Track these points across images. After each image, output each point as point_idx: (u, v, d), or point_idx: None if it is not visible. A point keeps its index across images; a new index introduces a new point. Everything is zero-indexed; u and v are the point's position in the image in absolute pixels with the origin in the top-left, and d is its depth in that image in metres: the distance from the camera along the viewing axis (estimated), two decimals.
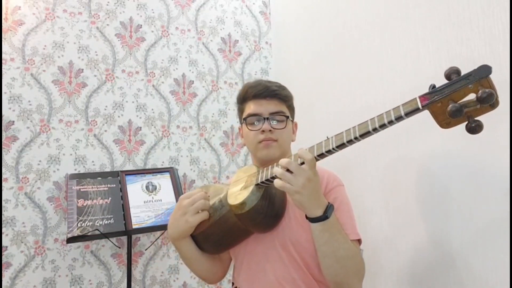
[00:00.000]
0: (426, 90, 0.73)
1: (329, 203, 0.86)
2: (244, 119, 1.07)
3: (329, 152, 0.80)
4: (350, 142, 0.76)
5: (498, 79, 1.07)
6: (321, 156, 0.81)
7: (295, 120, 1.17)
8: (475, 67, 0.67)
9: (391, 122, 0.72)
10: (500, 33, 1.06)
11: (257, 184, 0.91)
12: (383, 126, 0.73)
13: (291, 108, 1.12)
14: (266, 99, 1.04)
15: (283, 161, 0.83)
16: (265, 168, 0.92)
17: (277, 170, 0.84)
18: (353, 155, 1.60)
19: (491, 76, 0.66)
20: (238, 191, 0.95)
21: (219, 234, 1.00)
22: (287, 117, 1.06)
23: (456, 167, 1.18)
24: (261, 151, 1.03)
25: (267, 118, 1.02)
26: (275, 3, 2.40)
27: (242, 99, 1.10)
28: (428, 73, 1.28)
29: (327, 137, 0.82)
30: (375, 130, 0.73)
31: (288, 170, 0.82)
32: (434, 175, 1.27)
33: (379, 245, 1.45)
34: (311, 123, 1.95)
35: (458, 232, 1.17)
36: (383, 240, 1.45)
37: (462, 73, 0.70)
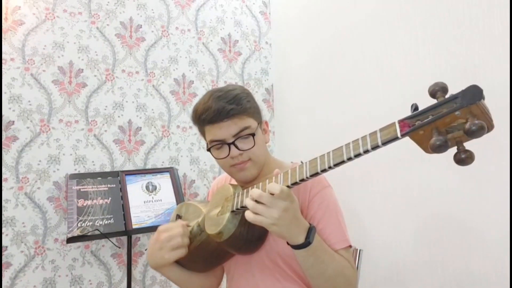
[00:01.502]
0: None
1: (310, 225, 0.80)
2: (208, 149, 0.96)
3: (303, 180, 0.74)
4: (324, 171, 0.71)
5: (498, 79, 1.07)
6: (295, 184, 0.75)
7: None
8: (463, 88, 0.56)
9: (367, 152, 0.65)
10: (500, 33, 1.06)
11: (232, 211, 0.85)
12: (358, 155, 0.66)
13: (255, 114, 0.97)
14: (224, 121, 0.90)
15: (253, 192, 0.76)
16: (240, 192, 0.86)
17: (249, 202, 0.76)
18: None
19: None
20: (215, 216, 0.89)
21: (204, 256, 0.97)
22: (253, 134, 0.93)
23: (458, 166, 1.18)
24: (237, 175, 0.95)
25: (232, 143, 0.90)
26: (275, 3, 2.40)
27: (198, 124, 0.98)
28: (428, 73, 1.28)
29: (301, 162, 0.76)
30: (349, 159, 0.67)
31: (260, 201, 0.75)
32: (434, 175, 1.27)
33: (380, 250, 1.45)
34: (311, 123, 1.95)
35: (458, 231, 1.17)
36: (384, 243, 1.45)
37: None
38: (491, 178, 1.08)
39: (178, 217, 1.08)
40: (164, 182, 1.87)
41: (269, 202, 0.74)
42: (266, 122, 1.04)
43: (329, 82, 1.82)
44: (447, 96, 0.59)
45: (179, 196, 1.84)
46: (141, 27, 2.04)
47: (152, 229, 1.71)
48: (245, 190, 0.85)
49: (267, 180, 0.80)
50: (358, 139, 0.66)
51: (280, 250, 0.92)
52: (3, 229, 1.63)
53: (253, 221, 0.76)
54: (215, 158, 0.96)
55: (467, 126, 0.54)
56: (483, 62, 1.09)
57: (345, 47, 1.72)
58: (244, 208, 0.81)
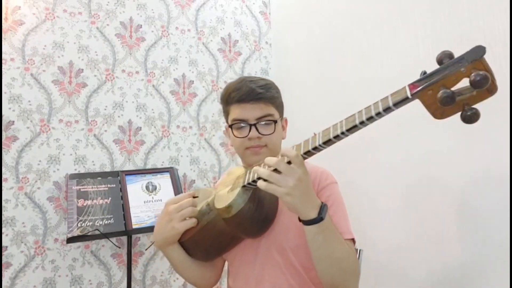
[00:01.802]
0: (424, 69, 0.69)
1: (322, 203, 0.81)
2: (230, 125, 1.00)
3: (316, 149, 0.74)
4: (337, 137, 0.70)
5: (498, 79, 1.07)
6: (308, 153, 0.75)
7: (285, 116, 1.09)
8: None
9: (379, 114, 0.66)
10: (500, 33, 1.06)
11: (243, 186, 0.85)
12: (370, 119, 0.67)
13: (279, 107, 1.02)
14: (251, 103, 0.95)
15: (270, 160, 0.76)
16: (252, 169, 0.87)
17: (263, 171, 0.77)
18: (365, 156, 1.60)
19: (485, 57, 0.59)
20: (225, 194, 0.90)
21: (208, 240, 0.95)
22: (275, 121, 0.98)
23: (458, 166, 1.18)
24: (249, 158, 0.98)
25: (254, 124, 0.95)
26: (275, 3, 2.40)
27: (226, 102, 1.01)
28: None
29: (314, 133, 0.76)
30: (362, 123, 0.67)
31: (275, 170, 0.75)
32: (437, 175, 1.27)
33: (391, 248, 1.45)
34: (311, 123, 1.95)
35: (459, 231, 1.17)
36: (394, 243, 1.45)
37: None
38: (491, 178, 1.08)
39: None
40: (164, 182, 1.87)
41: (285, 169, 0.74)
42: (286, 120, 1.08)
43: (329, 82, 1.82)
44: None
45: None
46: (141, 27, 2.04)
47: (152, 229, 1.70)
48: (257, 166, 0.85)
49: (279, 154, 0.79)
50: (369, 105, 0.68)
51: (290, 241, 0.93)
52: (3, 229, 1.63)
53: (266, 189, 0.76)
54: (233, 137, 0.99)
55: (472, 77, 0.57)
56: None
57: (345, 47, 1.72)
58: (255, 183, 0.81)
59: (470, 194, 1.13)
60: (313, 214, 0.77)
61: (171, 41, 2.11)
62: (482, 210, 1.10)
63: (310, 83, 1.99)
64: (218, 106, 2.20)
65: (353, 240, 0.94)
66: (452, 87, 0.61)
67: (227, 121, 1.04)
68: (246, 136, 0.95)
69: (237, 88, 0.97)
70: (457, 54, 0.62)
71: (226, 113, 1.03)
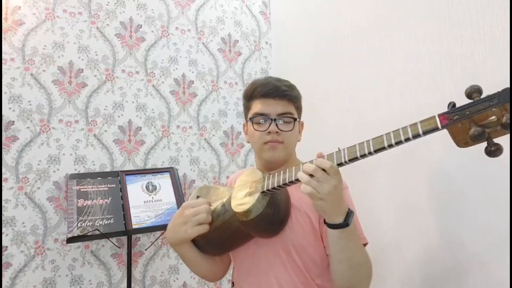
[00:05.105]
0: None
1: (349, 209, 0.84)
2: (251, 118, 1.04)
3: (341, 165, 0.80)
4: (363, 156, 0.76)
5: (498, 79, 1.07)
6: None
7: (302, 119, 1.14)
8: (499, 90, 0.66)
9: (407, 139, 0.71)
10: (500, 33, 1.06)
11: (262, 192, 0.90)
12: (399, 143, 0.72)
13: (299, 109, 1.09)
14: (275, 99, 1.01)
15: (309, 166, 0.80)
16: (271, 175, 0.91)
17: (302, 176, 0.81)
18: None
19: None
20: (243, 197, 0.93)
21: (221, 238, 0.99)
22: (295, 119, 1.03)
23: (464, 167, 1.18)
24: (266, 153, 1.01)
25: (274, 119, 1.00)
26: (275, 3, 2.40)
27: (250, 97, 1.06)
28: (428, 73, 1.28)
29: (339, 149, 0.81)
30: (390, 146, 0.73)
31: (311, 176, 0.80)
32: (441, 175, 1.27)
33: (387, 247, 1.45)
34: (310, 123, 1.95)
35: (469, 233, 1.17)
36: (391, 242, 1.44)
37: (484, 93, 0.69)
38: (491, 178, 1.08)
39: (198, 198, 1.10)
40: (164, 182, 1.87)
41: (322, 177, 0.78)
42: (303, 123, 1.13)
43: (329, 82, 1.82)
44: (482, 96, 0.67)
45: (179, 196, 1.84)
46: (141, 27, 2.04)
47: (152, 229, 1.71)
48: (275, 173, 0.90)
49: (313, 160, 0.83)
50: (398, 129, 0.72)
51: (295, 240, 0.96)
52: (3, 229, 1.63)
53: (309, 194, 0.79)
54: (253, 130, 1.03)
55: (503, 120, 0.63)
56: (483, 62, 1.09)
57: (345, 47, 1.72)
58: (274, 189, 0.88)
59: (470, 195, 1.13)
60: (340, 220, 0.81)
61: (171, 41, 2.11)
62: (483, 211, 1.10)
63: (310, 83, 1.99)
64: (218, 106, 2.20)
65: (365, 244, 0.98)
66: (480, 123, 0.66)
67: (246, 116, 1.09)
68: (266, 130, 0.99)
69: (264, 83, 1.03)
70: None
71: (248, 108, 1.08)
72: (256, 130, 1.02)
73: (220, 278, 1.15)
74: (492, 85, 1.01)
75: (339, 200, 0.81)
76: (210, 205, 1.01)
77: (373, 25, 1.55)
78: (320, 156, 0.83)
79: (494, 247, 1.06)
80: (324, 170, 0.79)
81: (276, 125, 0.99)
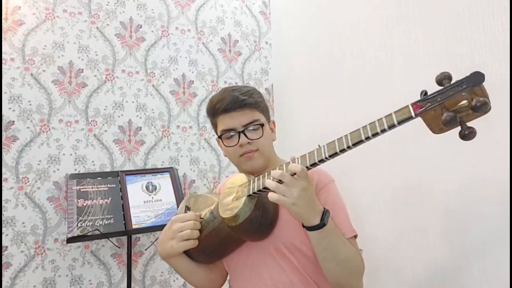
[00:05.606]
0: (425, 89, 0.72)
1: (324, 209, 0.85)
2: (220, 136, 1.03)
3: (322, 161, 0.80)
4: (342, 151, 0.76)
5: (498, 79, 1.07)
6: (314, 165, 0.81)
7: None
8: (468, 74, 0.67)
9: (383, 131, 0.72)
10: (500, 33, 1.06)
11: (249, 195, 0.89)
12: (375, 135, 0.73)
13: (264, 111, 1.06)
14: (236, 111, 0.99)
15: (275, 172, 0.80)
16: (256, 178, 0.90)
17: (270, 183, 0.81)
18: (355, 156, 1.60)
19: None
20: (230, 202, 0.92)
21: (213, 245, 0.98)
22: (262, 124, 1.01)
23: (456, 168, 1.18)
24: (244, 165, 1.01)
25: (242, 131, 0.98)
26: (275, 3, 2.40)
27: (212, 115, 1.05)
28: (427, 73, 1.28)
29: (319, 146, 0.82)
30: (367, 138, 0.73)
31: (280, 181, 0.80)
32: (435, 176, 1.27)
33: (380, 247, 1.45)
34: (310, 123, 1.95)
35: (460, 232, 1.17)
36: (385, 242, 1.45)
37: (454, 79, 0.70)
38: (492, 179, 1.08)
39: (187, 208, 1.09)
40: (164, 182, 1.87)
41: (290, 181, 0.79)
42: (273, 122, 1.11)
43: (329, 82, 1.82)
44: (452, 82, 0.68)
45: (179, 196, 1.84)
46: (141, 27, 2.04)
47: (152, 229, 1.71)
48: (261, 176, 0.89)
49: (283, 165, 0.84)
50: (374, 121, 0.73)
51: (285, 240, 0.95)
52: (3, 229, 1.63)
53: (277, 201, 0.80)
54: (225, 146, 1.02)
55: (473, 103, 0.63)
56: (483, 62, 1.09)
57: (345, 46, 1.72)
58: (260, 192, 0.87)
59: (470, 195, 1.13)
60: (316, 221, 0.82)
61: (171, 41, 2.11)
62: (483, 211, 1.10)
63: (310, 83, 1.99)
64: None
65: (355, 236, 0.97)
66: (452, 108, 0.67)
67: (216, 133, 1.07)
68: (237, 144, 0.98)
69: (220, 99, 1.01)
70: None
71: (215, 126, 1.07)
72: (228, 146, 1.01)
73: (220, 286, 1.13)
74: (492, 85, 1.01)
75: (312, 201, 0.82)
76: (201, 216, 1.00)
77: (373, 25, 1.55)
78: (293, 160, 0.84)
79: (494, 247, 1.06)
80: (294, 174, 0.79)
81: (246, 136, 0.98)
